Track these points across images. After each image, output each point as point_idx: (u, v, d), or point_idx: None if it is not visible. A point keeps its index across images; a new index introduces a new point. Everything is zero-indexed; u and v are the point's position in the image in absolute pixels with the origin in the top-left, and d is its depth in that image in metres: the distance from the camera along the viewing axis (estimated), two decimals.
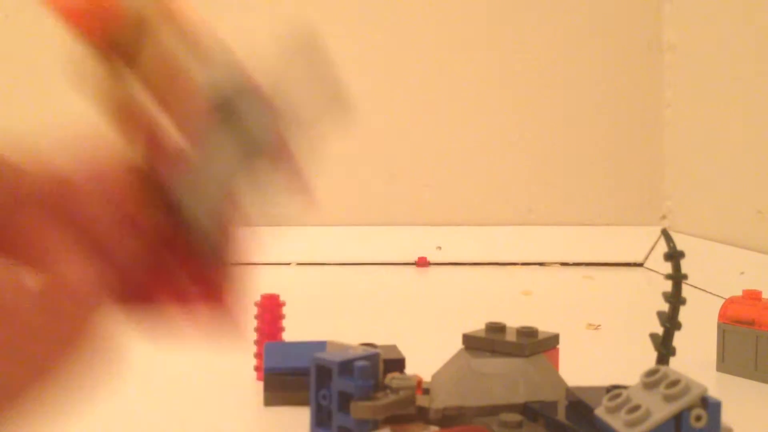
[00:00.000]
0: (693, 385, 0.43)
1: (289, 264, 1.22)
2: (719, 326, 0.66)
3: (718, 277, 1.01)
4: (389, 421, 0.52)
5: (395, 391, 0.50)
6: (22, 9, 1.26)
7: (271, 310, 0.63)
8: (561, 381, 0.53)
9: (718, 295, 0.96)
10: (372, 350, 0.51)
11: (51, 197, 0.24)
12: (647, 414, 0.43)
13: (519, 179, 1.28)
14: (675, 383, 0.43)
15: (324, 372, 0.50)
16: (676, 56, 1.25)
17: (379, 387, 0.50)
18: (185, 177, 0.26)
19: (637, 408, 0.43)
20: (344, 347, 0.53)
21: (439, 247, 1.24)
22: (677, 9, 1.25)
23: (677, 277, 0.53)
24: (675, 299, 0.53)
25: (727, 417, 0.45)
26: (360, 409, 0.48)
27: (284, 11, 1.27)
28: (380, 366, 0.51)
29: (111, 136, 0.26)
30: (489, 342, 0.54)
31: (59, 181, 0.24)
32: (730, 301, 0.66)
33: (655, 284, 1.10)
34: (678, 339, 0.53)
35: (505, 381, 0.52)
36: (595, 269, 1.20)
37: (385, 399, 0.49)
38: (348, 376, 0.49)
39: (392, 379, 0.51)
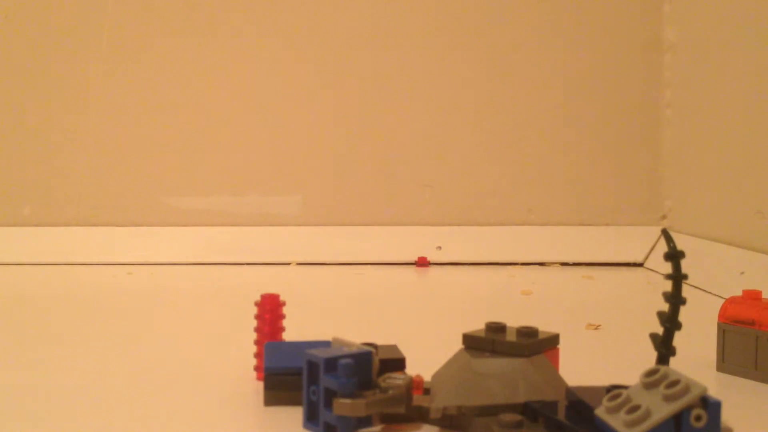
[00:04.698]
0: (693, 385, 0.43)
1: (289, 264, 1.22)
2: (719, 326, 0.66)
3: (718, 277, 1.01)
4: (386, 419, 0.52)
5: (384, 390, 0.50)
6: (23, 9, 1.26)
7: (271, 310, 0.63)
8: (561, 381, 0.54)
9: (718, 295, 0.96)
10: (365, 349, 0.52)
11: None
12: (647, 414, 0.43)
13: (519, 179, 1.28)
14: (675, 383, 0.43)
15: (313, 368, 0.51)
16: (676, 56, 1.25)
17: (372, 386, 0.51)
18: None
19: (636, 408, 0.43)
20: (347, 344, 0.53)
21: (439, 247, 1.24)
22: (677, 9, 1.25)
23: (677, 277, 0.53)
24: (675, 299, 0.53)
25: (727, 417, 0.45)
26: (341, 406, 0.49)
27: (289, 19, 1.27)
28: (373, 365, 0.51)
29: None
30: (489, 342, 0.54)
31: None
32: (730, 301, 0.66)
33: (655, 284, 1.10)
34: (678, 339, 0.53)
35: (505, 381, 0.52)
36: (595, 269, 1.20)
37: (370, 397, 0.49)
38: (333, 373, 0.49)
39: (386, 378, 0.51)
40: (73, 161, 1.27)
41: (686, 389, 0.43)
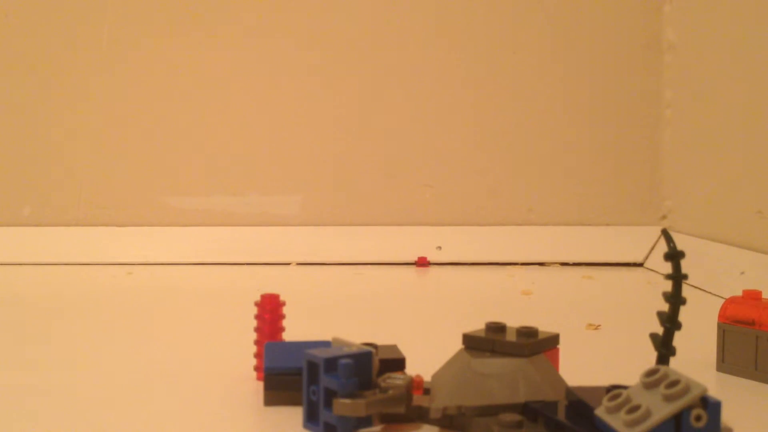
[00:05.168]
0: (693, 385, 0.43)
1: (289, 264, 1.22)
2: (719, 326, 0.66)
3: (718, 277, 1.01)
4: (386, 419, 0.52)
5: (384, 390, 0.50)
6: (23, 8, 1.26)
7: (271, 310, 0.63)
8: (561, 381, 0.54)
9: (718, 295, 0.96)
10: (365, 349, 0.52)
11: None
12: (647, 414, 0.43)
13: (519, 179, 1.28)
14: (675, 383, 0.43)
15: (313, 368, 0.51)
16: (676, 56, 1.25)
17: (372, 386, 0.51)
18: None
19: (637, 408, 0.43)
20: (347, 344, 0.53)
21: (439, 247, 1.24)
22: (677, 9, 1.25)
23: (677, 277, 0.53)
24: (675, 299, 0.53)
25: (727, 417, 0.45)
26: (341, 406, 0.49)
27: (289, 19, 1.27)
28: (373, 365, 0.51)
29: None
30: (489, 342, 0.54)
31: None
32: (730, 301, 0.66)
33: (655, 284, 1.10)
34: (678, 339, 0.53)
35: (505, 381, 0.52)
36: (595, 269, 1.20)
37: (370, 397, 0.49)
38: (333, 373, 0.49)
39: (386, 378, 0.51)
40: (73, 161, 1.27)
41: (686, 389, 0.43)
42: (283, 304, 0.63)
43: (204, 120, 1.27)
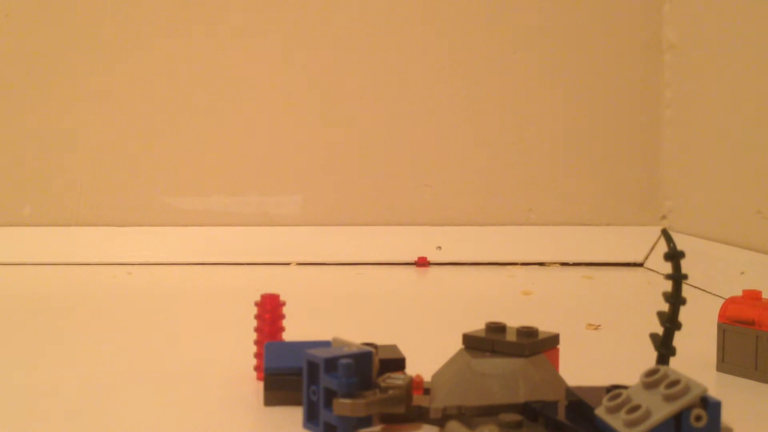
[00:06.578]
0: (693, 385, 0.43)
1: (289, 264, 1.22)
2: (719, 326, 0.66)
3: (718, 277, 1.01)
4: (386, 419, 0.52)
5: (384, 390, 0.50)
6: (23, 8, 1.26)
7: (271, 310, 0.63)
8: (561, 381, 0.54)
9: (718, 295, 0.96)
10: (365, 349, 0.52)
11: None
12: (647, 414, 0.43)
13: (519, 179, 1.28)
14: (675, 383, 0.43)
15: (313, 368, 0.51)
16: (676, 56, 1.25)
17: (372, 386, 0.51)
18: None
19: (637, 408, 0.43)
20: (347, 344, 0.53)
21: (439, 247, 1.24)
22: (677, 9, 1.25)
23: (677, 277, 0.53)
24: (675, 299, 0.53)
25: (727, 417, 0.45)
26: (341, 406, 0.49)
27: (289, 19, 1.27)
28: (373, 365, 0.51)
29: None
30: (489, 342, 0.54)
31: None
32: (730, 301, 0.66)
33: (655, 284, 1.10)
34: (678, 339, 0.53)
35: (505, 381, 0.52)
36: (595, 269, 1.20)
37: (370, 397, 0.49)
38: (333, 372, 0.50)
39: (386, 378, 0.51)
40: (73, 161, 1.27)
41: (686, 389, 0.43)
42: (283, 304, 0.63)
43: (204, 120, 1.27)
